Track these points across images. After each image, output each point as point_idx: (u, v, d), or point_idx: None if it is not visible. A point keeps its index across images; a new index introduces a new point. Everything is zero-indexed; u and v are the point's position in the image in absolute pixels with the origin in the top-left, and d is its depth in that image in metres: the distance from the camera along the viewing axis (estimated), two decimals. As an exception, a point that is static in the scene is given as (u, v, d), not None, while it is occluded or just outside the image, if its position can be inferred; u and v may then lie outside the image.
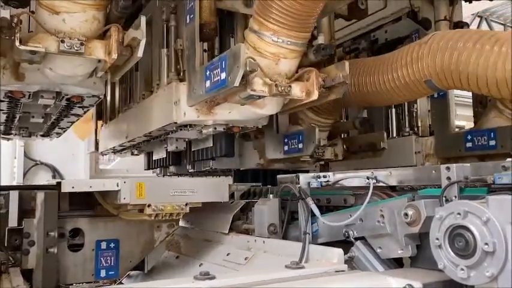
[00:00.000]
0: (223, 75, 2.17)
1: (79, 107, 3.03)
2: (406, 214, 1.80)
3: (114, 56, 2.13)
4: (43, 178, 7.79)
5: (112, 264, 2.78)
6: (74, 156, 7.60)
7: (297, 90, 2.28)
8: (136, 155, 4.44)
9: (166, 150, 3.59)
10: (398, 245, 1.90)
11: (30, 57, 2.07)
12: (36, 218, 2.41)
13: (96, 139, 4.53)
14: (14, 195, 2.36)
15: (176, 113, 2.57)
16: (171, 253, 3.23)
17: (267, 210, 2.51)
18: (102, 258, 2.75)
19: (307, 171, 3.77)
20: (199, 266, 2.80)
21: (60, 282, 2.54)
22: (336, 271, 1.84)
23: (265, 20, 2.17)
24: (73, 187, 2.24)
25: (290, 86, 2.25)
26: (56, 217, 2.49)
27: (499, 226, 1.32)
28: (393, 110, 3.74)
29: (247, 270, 2.40)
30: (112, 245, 2.73)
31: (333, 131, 3.45)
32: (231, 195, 3.50)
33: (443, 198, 1.75)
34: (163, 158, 4.07)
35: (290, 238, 2.59)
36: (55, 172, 7.86)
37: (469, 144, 3.08)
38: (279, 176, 2.71)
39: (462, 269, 1.40)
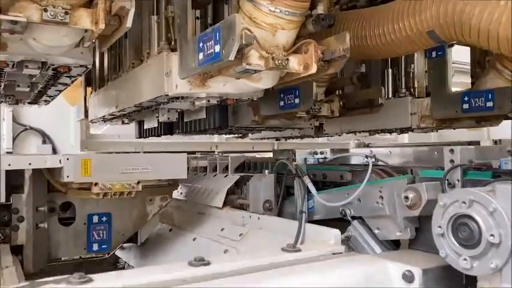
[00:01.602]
0: (217, 48, 2.04)
1: (66, 76, 2.89)
2: (406, 197, 1.75)
3: (102, 26, 2.00)
4: (33, 143, 7.68)
5: (104, 237, 2.73)
6: (64, 121, 7.47)
7: (294, 63, 2.15)
8: (127, 123, 4.35)
9: (158, 120, 3.49)
10: (396, 227, 1.86)
11: (11, 27, 1.92)
12: (25, 194, 2.33)
13: (85, 106, 4.40)
14: (1, 172, 2.27)
15: (167, 85, 2.45)
16: (164, 225, 3.20)
17: (262, 186, 2.47)
18: (94, 232, 2.69)
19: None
20: (193, 240, 2.78)
21: (51, 257, 2.49)
22: (333, 253, 1.81)
23: None
24: (9, 164, 2.05)
25: (287, 59, 2.12)
26: (46, 192, 2.41)
27: (506, 217, 1.27)
28: (389, 70, 3.60)
29: (242, 247, 2.37)
30: (104, 218, 2.67)
31: (329, 87, 3.33)
32: (194, 169, 3.47)
33: (446, 182, 1.69)
34: (154, 127, 3.99)
35: (285, 214, 2.56)
36: (45, 137, 7.74)
37: (465, 106, 3.01)
38: (275, 151, 2.65)
39: (465, 259, 1.36)
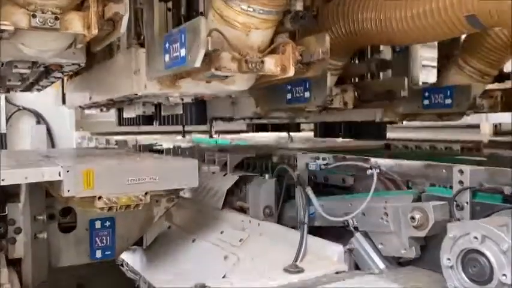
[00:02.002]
0: (182, 52, 1.88)
1: (59, 72, 2.80)
2: (412, 218, 1.70)
3: (95, 31, 1.88)
4: (27, 124, 7.57)
5: (108, 244, 2.59)
6: (58, 102, 7.33)
7: (270, 65, 1.98)
8: (105, 111, 4.26)
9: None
10: (401, 245, 1.82)
11: (-2, 34, 1.82)
12: (21, 203, 2.21)
13: (63, 92, 4.26)
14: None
15: (136, 84, 2.30)
16: (164, 222, 3.16)
17: (262, 191, 2.41)
18: (97, 238, 2.56)
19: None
20: (193, 241, 2.74)
21: (52, 266, 2.42)
22: (336, 272, 1.78)
23: None
24: (3, 179, 1.85)
25: (262, 62, 1.95)
26: (44, 198, 2.29)
27: (520, 258, 1.22)
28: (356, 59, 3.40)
29: (242, 253, 2.34)
30: (107, 223, 2.54)
31: (342, 74, 2.93)
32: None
33: (454, 203, 1.64)
34: (133, 117, 3.90)
35: (286, 218, 2.52)
36: (39, 118, 7.63)
37: (426, 102, 3.00)
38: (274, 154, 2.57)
39: (475, 296, 1.33)
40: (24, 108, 7.29)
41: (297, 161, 2.37)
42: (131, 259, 3.00)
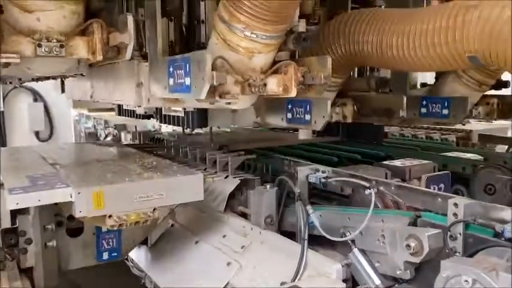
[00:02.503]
0: (187, 81, 1.94)
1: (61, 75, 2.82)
2: (408, 245, 1.79)
3: (99, 57, 1.92)
4: (24, 101, 7.57)
5: (114, 246, 2.72)
6: (57, 88, 7.32)
7: (273, 85, 2.02)
8: None
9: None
10: (397, 266, 1.92)
11: (4, 63, 1.84)
12: (30, 215, 2.31)
13: (62, 81, 4.21)
14: (3, 195, 2.25)
15: (139, 97, 2.35)
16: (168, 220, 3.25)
17: (263, 201, 2.49)
18: (103, 241, 2.68)
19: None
20: (195, 243, 2.85)
21: (61, 269, 2.53)
22: (335, 292, 1.89)
23: (236, 10, 1.84)
24: (17, 203, 1.94)
25: (265, 84, 2.00)
26: (52, 210, 2.38)
27: (506, 304, 1.32)
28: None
29: (244, 260, 2.44)
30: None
31: (342, 88, 3.03)
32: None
33: (448, 234, 1.74)
34: (133, 110, 3.93)
35: (286, 224, 2.61)
36: (36, 96, 7.60)
37: (423, 110, 3.06)
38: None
39: (464, 332, 1.44)
40: (21, 86, 7.27)
41: (297, 173, 2.44)
42: (136, 257, 3.13)
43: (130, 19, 1.87)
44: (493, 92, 3.06)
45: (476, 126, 4.48)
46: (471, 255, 1.64)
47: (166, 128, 5.33)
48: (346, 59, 2.62)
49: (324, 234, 2.17)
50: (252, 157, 3.09)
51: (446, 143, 4.17)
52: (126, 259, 3.26)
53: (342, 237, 2.20)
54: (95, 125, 6.43)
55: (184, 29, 2.49)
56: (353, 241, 2.15)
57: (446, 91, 3.15)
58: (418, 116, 3.01)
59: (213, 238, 2.76)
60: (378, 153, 3.51)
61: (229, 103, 2.05)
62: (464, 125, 3.54)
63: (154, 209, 2.17)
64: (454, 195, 1.85)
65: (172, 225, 3.17)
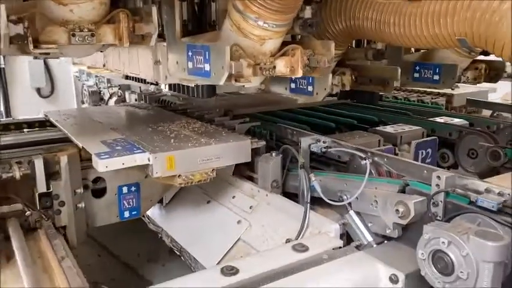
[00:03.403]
0: (207, 67, 2.21)
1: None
2: (397, 210, 2.11)
3: (126, 44, 2.13)
4: (25, 59, 7.61)
5: (134, 205, 3.05)
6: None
7: (281, 67, 2.29)
8: None
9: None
10: (386, 226, 2.25)
11: (44, 51, 2.05)
12: (62, 180, 2.60)
13: None
14: (38, 163, 2.52)
15: (157, 73, 2.62)
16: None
17: (270, 168, 2.78)
18: (124, 201, 3.00)
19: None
20: (207, 202, 3.16)
21: (89, 226, 2.86)
22: (333, 248, 2.22)
23: (250, 1, 2.08)
24: (106, 166, 2.31)
25: (274, 66, 2.28)
26: (80, 176, 2.67)
27: (474, 262, 1.65)
28: None
29: (252, 219, 2.77)
30: (133, 188, 2.96)
31: (341, 58, 3.25)
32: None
33: (431, 201, 2.05)
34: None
35: (289, 186, 2.92)
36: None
37: (416, 75, 3.31)
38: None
39: (439, 282, 1.78)
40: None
41: (300, 143, 2.72)
42: (152, 214, 3.46)
43: (154, 10, 2.07)
44: (481, 57, 3.30)
45: (461, 90, 4.75)
46: (449, 220, 1.97)
47: (166, 89, 5.52)
48: (346, 33, 2.85)
49: (324, 198, 2.47)
50: (257, 124, 3.35)
51: (436, 106, 4.44)
52: (143, 216, 3.59)
53: (339, 200, 2.52)
54: (96, 83, 6.55)
55: (196, 8, 2.67)
56: (349, 204, 2.47)
57: (438, 57, 3.39)
58: (410, 80, 3.25)
59: (223, 198, 3.07)
60: (372, 118, 3.78)
61: (243, 86, 2.28)
62: (453, 89, 3.78)
63: (213, 170, 2.58)
64: (438, 168, 2.14)
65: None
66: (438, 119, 3.74)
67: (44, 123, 3.87)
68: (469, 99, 4.37)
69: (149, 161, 2.37)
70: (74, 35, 2.01)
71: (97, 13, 2.08)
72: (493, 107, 4.08)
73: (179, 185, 2.47)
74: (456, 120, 3.72)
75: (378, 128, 3.34)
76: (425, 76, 3.23)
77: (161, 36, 2.57)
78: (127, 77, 4.51)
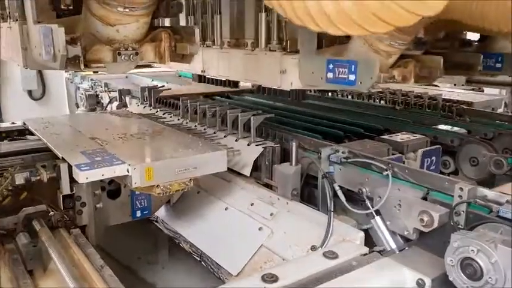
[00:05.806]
0: (352, 77, 2.49)
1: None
2: (422, 219, 2.27)
3: (167, 62, 2.23)
4: (16, 61, 7.51)
5: (146, 205, 3.29)
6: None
7: (396, 75, 2.66)
8: None
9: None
10: (405, 228, 2.41)
11: (94, 70, 2.12)
12: (84, 183, 2.72)
13: None
14: (64, 168, 2.67)
15: (282, 80, 2.84)
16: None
17: (290, 177, 2.91)
18: (137, 202, 3.23)
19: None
20: (225, 209, 3.26)
21: (105, 224, 3.07)
22: (361, 254, 2.36)
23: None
24: (87, 178, 2.40)
25: (394, 76, 2.64)
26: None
27: (502, 268, 1.82)
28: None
29: (274, 226, 2.88)
30: None
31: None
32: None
33: (454, 211, 2.22)
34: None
35: (306, 193, 3.06)
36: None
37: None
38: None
39: (467, 286, 1.95)
40: (12, 45, 7.24)
41: (320, 153, 2.85)
42: (164, 218, 3.56)
43: (197, 32, 2.17)
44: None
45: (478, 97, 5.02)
46: (471, 229, 2.14)
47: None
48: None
49: (349, 207, 2.62)
50: (270, 115, 3.49)
51: (434, 113, 4.60)
52: (156, 221, 3.68)
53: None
54: (92, 86, 6.51)
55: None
56: (377, 211, 2.60)
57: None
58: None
59: (241, 205, 3.17)
60: (377, 126, 3.96)
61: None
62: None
63: (190, 179, 2.69)
64: (459, 180, 2.30)
65: (198, 192, 3.57)
66: (439, 127, 3.96)
67: (24, 132, 3.87)
68: (468, 109, 4.55)
69: (128, 172, 2.46)
70: (119, 54, 2.10)
71: (140, 32, 2.16)
72: (494, 117, 4.28)
73: (158, 194, 2.58)
74: (455, 128, 3.94)
75: (385, 137, 3.50)
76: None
77: (284, 49, 2.84)
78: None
